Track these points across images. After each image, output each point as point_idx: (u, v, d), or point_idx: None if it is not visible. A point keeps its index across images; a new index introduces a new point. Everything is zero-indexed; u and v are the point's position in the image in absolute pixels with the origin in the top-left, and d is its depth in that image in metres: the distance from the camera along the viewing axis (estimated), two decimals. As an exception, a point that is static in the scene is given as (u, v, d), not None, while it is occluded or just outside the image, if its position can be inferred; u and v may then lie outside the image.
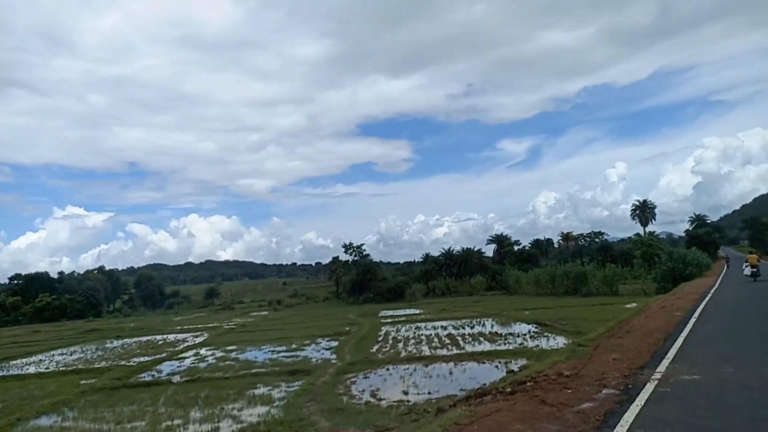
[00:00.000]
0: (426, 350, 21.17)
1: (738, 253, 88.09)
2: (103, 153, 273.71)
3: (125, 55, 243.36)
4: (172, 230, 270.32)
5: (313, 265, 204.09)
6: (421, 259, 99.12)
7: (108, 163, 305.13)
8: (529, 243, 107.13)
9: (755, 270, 29.61)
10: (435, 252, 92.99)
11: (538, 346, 20.32)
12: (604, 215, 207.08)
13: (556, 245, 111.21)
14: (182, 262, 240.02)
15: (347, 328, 32.33)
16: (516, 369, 15.01)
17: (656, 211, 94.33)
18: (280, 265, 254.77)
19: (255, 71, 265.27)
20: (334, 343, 25.07)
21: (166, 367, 21.27)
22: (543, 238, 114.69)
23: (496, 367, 16.24)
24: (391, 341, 24.90)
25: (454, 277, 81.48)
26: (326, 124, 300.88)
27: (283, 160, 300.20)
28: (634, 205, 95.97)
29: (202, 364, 21.10)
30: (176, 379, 18.11)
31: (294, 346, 24.91)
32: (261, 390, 14.91)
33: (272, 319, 50.53)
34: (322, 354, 21.94)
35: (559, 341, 21.22)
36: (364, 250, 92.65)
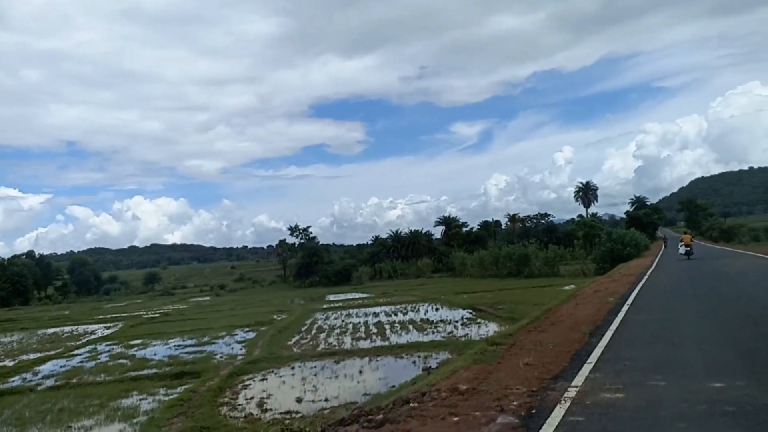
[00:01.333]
0: (347, 342, 19.16)
1: (675, 233, 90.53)
2: (39, 131, 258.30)
3: (61, 27, 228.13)
4: (116, 213, 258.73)
5: (265, 248, 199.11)
6: (372, 242, 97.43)
7: (44, 142, 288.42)
8: (478, 225, 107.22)
9: (689, 249, 31.97)
10: (388, 234, 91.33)
11: (467, 335, 18.68)
12: (552, 198, 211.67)
13: (504, 227, 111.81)
14: (126, 246, 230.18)
15: (275, 316, 30.00)
16: (434, 366, 13.22)
17: (600, 193, 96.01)
18: (231, 248, 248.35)
19: (203, 48, 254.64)
20: (252, 335, 22.72)
21: (48, 368, 18.37)
22: (492, 220, 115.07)
23: (414, 362, 14.36)
24: (314, 331, 22.79)
25: (401, 259, 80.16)
26: (278, 105, 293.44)
27: (233, 140, 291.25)
28: (577, 186, 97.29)
29: (90, 364, 18.33)
30: (48, 383, 15.38)
31: (206, 339, 22.38)
32: (132, 400, 12.45)
33: (204, 307, 47.48)
34: (232, 349, 19.55)
35: (491, 328, 19.67)
36: (311, 232, 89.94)
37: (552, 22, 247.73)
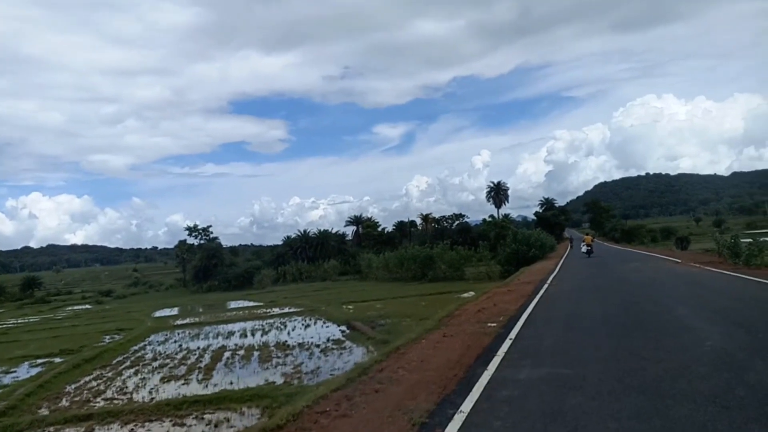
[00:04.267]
0: (148, 387, 13.45)
1: (581, 234, 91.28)
2: None
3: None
4: (9, 211, 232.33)
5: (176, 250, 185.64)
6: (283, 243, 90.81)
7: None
8: (393, 225, 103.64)
9: (589, 248, 35.24)
10: (296, 234, 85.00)
11: (316, 370, 13.69)
12: (470, 199, 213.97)
13: (419, 227, 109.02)
14: (19, 247, 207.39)
15: (107, 338, 23.50)
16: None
17: (514, 196, 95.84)
18: (139, 249, 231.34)
19: (111, 35, 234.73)
20: (34, 371, 16.37)
21: None
22: (407, 220, 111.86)
23: (191, 436, 9.01)
24: (127, 364, 16.80)
25: (309, 261, 74.53)
26: (194, 99, 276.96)
27: (145, 135, 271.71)
28: (489, 187, 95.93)
29: None
30: None
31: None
32: None
33: (52, 321, 39.34)
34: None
35: (352, 358, 14.83)
36: (211, 232, 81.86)
37: (471, 30, 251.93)
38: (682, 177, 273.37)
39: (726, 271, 17.57)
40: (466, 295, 26.76)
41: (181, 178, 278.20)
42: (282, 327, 22.75)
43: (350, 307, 28.38)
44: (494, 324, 10.78)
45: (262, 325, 23.68)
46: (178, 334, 23.41)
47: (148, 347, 20.02)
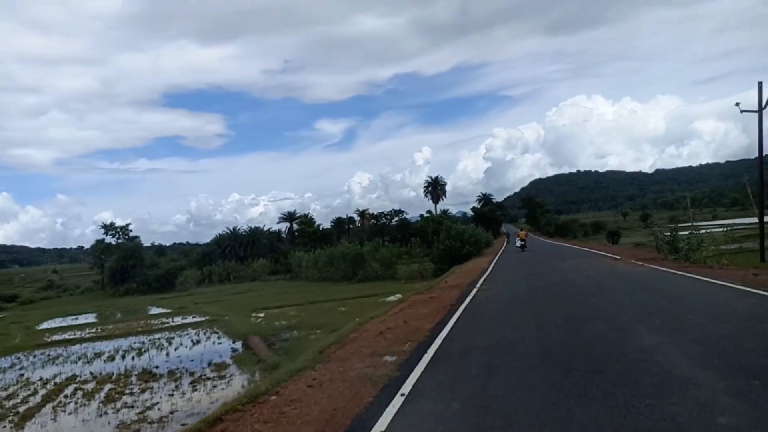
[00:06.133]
0: None
1: (517, 229, 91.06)
2: None
3: None
4: None
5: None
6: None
7: None
8: (331, 222, 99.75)
9: (523, 243, 35.92)
10: (224, 231, 79.29)
11: (167, 417, 9.91)
12: (411, 195, 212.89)
13: (358, 224, 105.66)
14: None
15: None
16: None
17: (454, 192, 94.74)
18: (64, 249, 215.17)
19: (31, 21, 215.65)
20: None
21: None
22: (345, 216, 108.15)
23: None
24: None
25: (240, 260, 69.45)
26: (125, 91, 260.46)
27: (71, 128, 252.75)
28: (426, 182, 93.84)
29: None
30: None
31: None
32: None
33: None
34: None
35: (227, 392, 11.23)
36: (131, 230, 74.94)
37: (412, 27, 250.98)
38: (610, 174, 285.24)
39: (674, 270, 15.17)
40: (391, 298, 23.63)
41: (111, 173, 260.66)
42: (166, 344, 18.63)
43: (261, 315, 24.54)
44: (393, 358, 7.45)
45: (144, 342, 19.46)
46: (36, 356, 18.78)
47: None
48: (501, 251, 40.48)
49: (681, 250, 21.44)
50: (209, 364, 14.61)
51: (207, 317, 25.90)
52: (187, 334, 20.69)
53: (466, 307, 11.67)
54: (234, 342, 17.91)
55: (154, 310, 35.90)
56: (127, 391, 12.49)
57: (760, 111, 23.08)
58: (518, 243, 36.36)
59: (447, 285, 18.05)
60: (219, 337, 19.21)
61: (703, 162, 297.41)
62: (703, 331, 6.89)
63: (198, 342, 18.60)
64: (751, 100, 23.73)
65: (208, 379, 12.97)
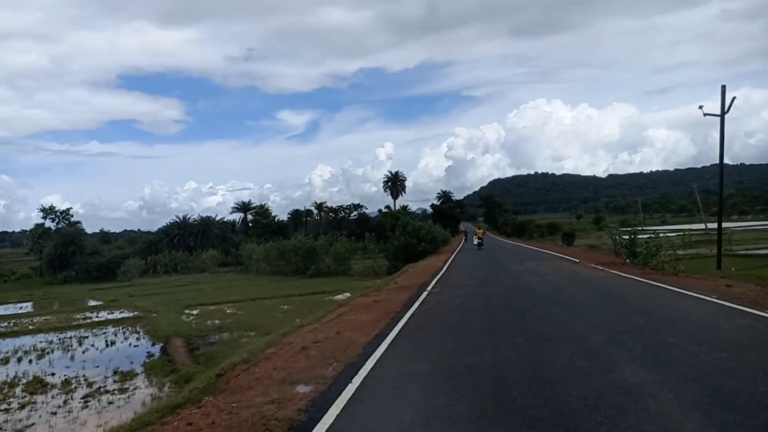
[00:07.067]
0: None
1: (475, 227, 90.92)
2: None
3: None
4: None
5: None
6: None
7: None
8: (288, 214, 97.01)
9: (480, 241, 36.44)
10: (173, 220, 75.44)
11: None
12: (373, 191, 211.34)
13: (316, 217, 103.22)
14: None
15: None
16: None
17: (415, 189, 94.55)
18: (5, 232, 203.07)
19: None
20: None
21: None
22: (303, 209, 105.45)
23: None
24: None
25: (189, 250, 66.12)
26: (78, 70, 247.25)
27: (17, 106, 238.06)
28: (386, 177, 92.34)
29: None
30: None
31: None
32: None
33: None
34: None
35: (124, 411, 9.19)
36: (72, 215, 70.26)
37: (380, 22, 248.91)
38: (566, 177, 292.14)
39: (637, 277, 14.02)
40: (339, 297, 21.92)
41: (60, 155, 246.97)
42: (76, 345, 16.27)
43: (195, 312, 22.31)
44: (307, 389, 5.70)
45: (52, 342, 17.02)
46: None
47: None
48: (458, 249, 39.36)
49: (639, 255, 20.64)
50: (115, 373, 12.47)
51: (135, 313, 23.44)
52: (105, 333, 18.28)
53: (413, 315, 10.05)
54: (154, 344, 15.74)
55: (88, 302, 32.90)
56: (3, 407, 10.28)
57: (722, 115, 22.49)
58: (475, 241, 36.98)
59: (396, 286, 16.43)
60: (138, 338, 16.95)
61: (654, 169, 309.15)
62: (697, 364, 5.44)
63: (113, 343, 16.29)
64: (700, 112, 23.03)
65: (107, 392, 10.88)
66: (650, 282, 12.78)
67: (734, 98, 22.64)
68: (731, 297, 9.69)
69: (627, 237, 22.53)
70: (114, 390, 11.01)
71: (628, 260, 20.83)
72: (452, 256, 30.13)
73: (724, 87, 22.58)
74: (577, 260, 21.23)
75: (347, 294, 21.44)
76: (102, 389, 11.11)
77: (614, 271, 15.91)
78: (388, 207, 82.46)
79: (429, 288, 14.40)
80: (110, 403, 10.11)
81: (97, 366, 13.34)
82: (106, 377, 12.14)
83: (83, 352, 15.31)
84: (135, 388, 11.06)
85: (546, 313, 9.12)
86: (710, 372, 5.13)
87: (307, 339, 8.59)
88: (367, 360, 6.74)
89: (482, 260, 25.26)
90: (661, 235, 25.02)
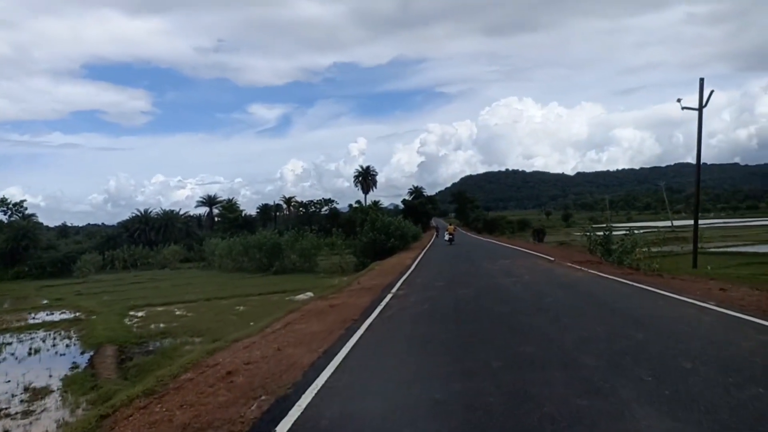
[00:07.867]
0: None
1: (446, 223, 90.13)
2: None
3: None
4: None
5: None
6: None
7: None
8: (257, 208, 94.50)
9: (451, 237, 36.58)
10: (134, 214, 72.11)
11: None
12: (345, 186, 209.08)
13: (285, 212, 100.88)
14: None
15: None
16: None
17: (387, 184, 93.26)
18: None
19: None
20: None
21: None
22: (273, 203, 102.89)
23: None
24: None
25: (151, 245, 63.20)
26: (40, 58, 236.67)
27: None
28: (357, 171, 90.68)
29: None
30: None
31: None
32: None
33: None
34: None
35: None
36: (26, 207, 66.39)
37: (353, 17, 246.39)
38: (536, 174, 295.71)
39: (620, 279, 12.88)
40: (301, 296, 20.24)
41: (20, 146, 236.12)
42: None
43: (140, 314, 20.33)
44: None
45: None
46: None
47: None
48: (429, 245, 38.15)
49: (614, 252, 19.73)
50: (26, 389, 10.62)
51: (76, 314, 21.34)
52: (32, 338, 16.24)
53: (371, 326, 8.55)
54: (84, 353, 13.86)
55: (35, 300, 30.39)
56: None
57: (700, 108, 21.72)
58: (446, 237, 37.41)
59: (359, 286, 14.92)
60: (68, 345, 14.99)
61: (620, 167, 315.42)
62: (733, 405, 4.09)
63: (37, 351, 14.30)
64: (665, 112, 22.45)
65: (7, 416, 9.07)
66: (634, 284, 11.61)
67: (712, 92, 21.89)
68: (732, 304, 8.53)
69: (601, 234, 21.64)
70: (16, 414, 9.20)
71: (603, 258, 19.91)
72: (422, 253, 28.83)
73: (702, 80, 21.84)
74: (552, 258, 20.15)
75: (310, 293, 19.86)
76: (1, 413, 9.29)
77: (593, 271, 14.79)
78: (359, 202, 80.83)
79: (394, 290, 12.93)
80: (5, 432, 8.33)
81: (8, 381, 11.43)
82: (13, 396, 10.28)
83: (2, 360, 13.33)
84: (42, 411, 9.28)
85: (526, 324, 7.74)
86: (759, 419, 3.78)
87: (239, 358, 7.00)
88: (305, 392, 5.21)
89: (453, 258, 23.98)
90: (637, 232, 24.21)
